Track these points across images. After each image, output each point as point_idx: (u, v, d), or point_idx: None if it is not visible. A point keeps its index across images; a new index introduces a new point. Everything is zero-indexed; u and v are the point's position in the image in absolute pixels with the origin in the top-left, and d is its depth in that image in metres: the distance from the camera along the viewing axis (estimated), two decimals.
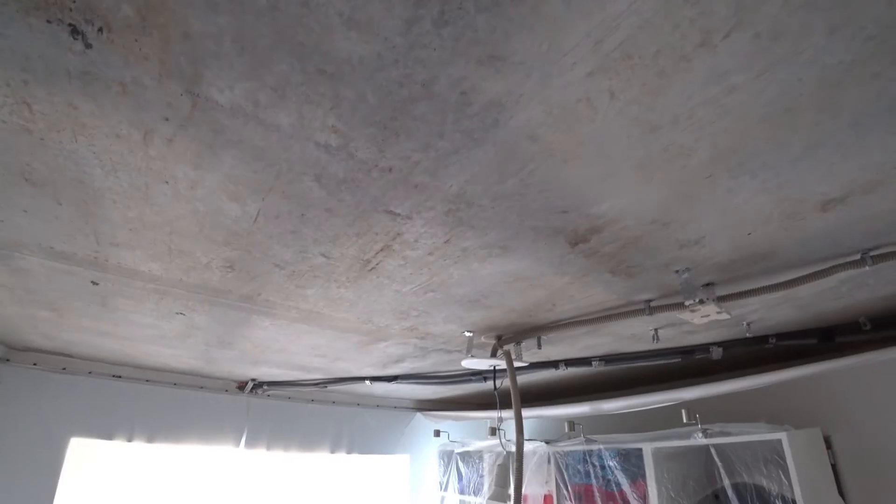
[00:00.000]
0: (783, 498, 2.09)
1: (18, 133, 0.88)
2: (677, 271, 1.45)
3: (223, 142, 0.85)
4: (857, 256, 1.36)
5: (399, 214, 1.06)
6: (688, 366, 2.64)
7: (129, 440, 3.10)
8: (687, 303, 1.49)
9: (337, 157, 0.87)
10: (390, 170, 0.90)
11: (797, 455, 2.05)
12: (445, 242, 1.20)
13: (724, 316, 1.60)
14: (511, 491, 2.53)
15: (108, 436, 3.03)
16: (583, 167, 0.92)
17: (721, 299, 1.52)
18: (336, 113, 0.77)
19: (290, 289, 1.54)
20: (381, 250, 1.24)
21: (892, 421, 2.23)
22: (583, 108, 0.77)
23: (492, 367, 2.07)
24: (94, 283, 1.62)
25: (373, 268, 1.36)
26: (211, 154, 0.89)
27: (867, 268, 1.35)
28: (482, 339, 2.06)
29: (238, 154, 0.88)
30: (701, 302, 1.49)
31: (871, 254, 1.34)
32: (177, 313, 1.90)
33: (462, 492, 3.77)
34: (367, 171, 0.91)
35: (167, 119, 0.81)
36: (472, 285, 1.49)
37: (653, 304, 1.67)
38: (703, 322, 1.64)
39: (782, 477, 2.10)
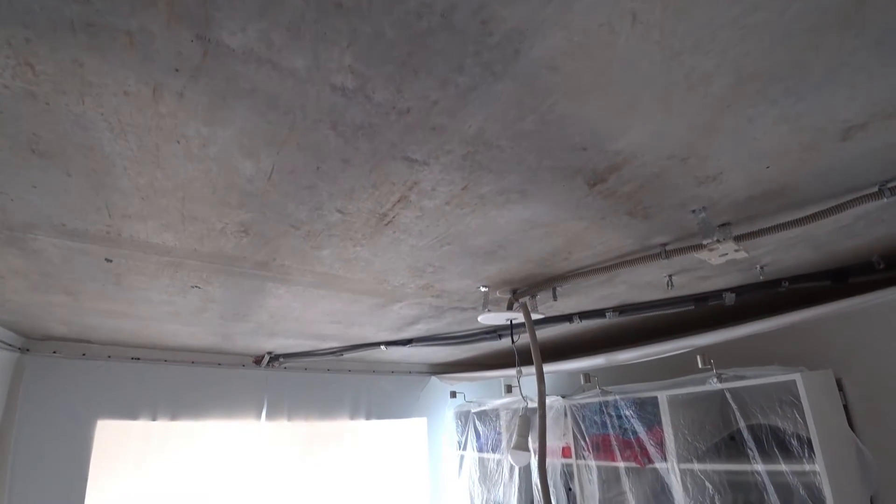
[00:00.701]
0: (798, 436, 2.13)
1: (23, 99, 0.85)
2: (694, 211, 1.44)
3: (236, 91, 0.83)
4: (875, 189, 1.34)
5: (416, 160, 1.04)
6: (700, 315, 2.66)
7: (154, 419, 3.17)
8: (705, 241, 1.48)
9: (354, 101, 0.85)
10: (408, 111, 0.88)
11: (811, 395, 2.09)
12: (463, 189, 1.18)
13: (742, 254, 1.59)
14: (533, 444, 2.58)
15: (133, 416, 3.10)
16: (603, 98, 0.90)
17: (738, 238, 1.51)
18: (353, 51, 0.74)
19: (305, 250, 1.53)
20: (398, 202, 1.23)
21: None
22: (605, 34, 0.75)
23: (508, 321, 2.09)
24: (107, 260, 1.62)
25: (389, 221, 1.35)
26: (224, 106, 0.87)
27: (885, 200, 1.34)
28: (497, 294, 2.06)
29: (251, 104, 0.86)
30: (718, 241, 1.48)
31: (889, 185, 1.33)
32: (192, 287, 1.91)
33: (480, 450, 3.86)
34: (384, 115, 0.89)
35: (177, 70, 0.78)
36: (489, 235, 1.48)
37: (668, 247, 1.66)
38: (720, 261, 1.64)
39: (797, 416, 2.14)
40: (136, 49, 0.74)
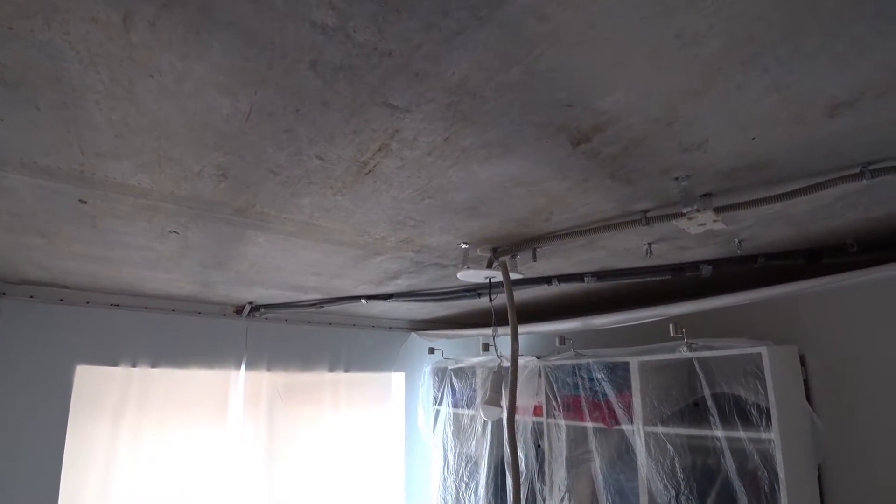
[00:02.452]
0: (758, 406, 2.23)
1: None
2: (677, 178, 1.44)
3: (211, 23, 0.79)
4: (857, 170, 1.36)
5: (398, 107, 1.02)
6: (677, 285, 2.71)
7: (134, 365, 3.18)
8: (685, 210, 1.49)
9: (334, 39, 0.82)
10: (390, 54, 0.85)
11: (774, 368, 2.19)
12: (445, 140, 1.16)
13: (720, 225, 1.61)
14: (504, 401, 2.65)
15: (113, 362, 3.11)
16: (591, 54, 0.88)
17: (718, 210, 1.53)
18: None
19: (284, 197, 1.51)
20: (379, 150, 1.21)
21: (862, 341, 2.37)
22: None
23: (487, 279, 2.10)
24: (82, 201, 1.58)
25: (370, 170, 1.33)
26: (198, 40, 0.83)
27: (864, 181, 1.36)
28: (478, 252, 2.07)
29: (228, 38, 0.83)
30: (698, 210, 1.50)
31: (871, 167, 1.35)
32: (170, 232, 1.88)
33: (455, 405, 3.96)
34: (365, 56, 0.86)
35: None
36: (471, 190, 1.47)
37: (649, 214, 1.67)
38: (698, 231, 1.66)
39: (759, 387, 2.24)
40: None
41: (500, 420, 2.67)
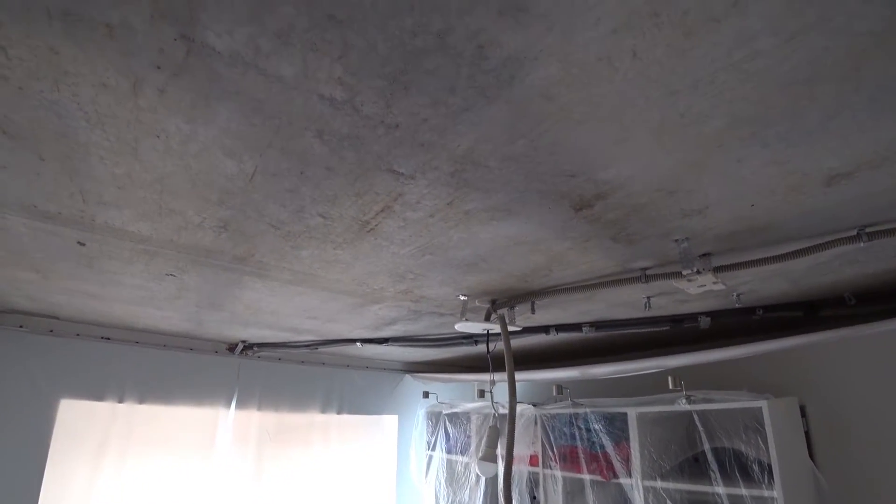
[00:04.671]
0: (759, 462, 2.18)
1: None
2: (677, 240, 1.45)
3: (219, 93, 0.80)
4: (854, 232, 1.37)
5: (402, 174, 1.02)
6: (674, 334, 2.69)
7: (120, 401, 3.08)
8: (685, 272, 1.49)
9: (341, 112, 0.82)
10: (397, 126, 0.86)
11: (775, 422, 2.14)
12: (448, 204, 1.16)
13: (720, 286, 1.61)
14: (501, 452, 2.59)
15: (99, 397, 3.01)
16: (596, 130, 0.89)
17: (717, 270, 1.53)
18: (343, 63, 0.72)
19: (284, 249, 1.50)
20: (381, 211, 1.21)
21: (864, 392, 2.34)
22: (603, 68, 0.74)
23: (485, 332, 2.08)
24: (80, 243, 1.56)
25: (371, 229, 1.32)
26: (206, 106, 0.84)
27: (862, 244, 1.37)
28: (476, 303, 2.05)
29: (235, 107, 0.83)
30: (698, 272, 1.49)
31: (868, 230, 1.36)
32: (167, 275, 1.86)
33: (449, 451, 3.86)
34: (372, 128, 0.87)
35: (159, 67, 0.75)
36: (472, 248, 1.47)
37: (649, 272, 1.67)
38: (698, 291, 1.65)
39: (760, 443, 2.19)
40: (116, 42, 0.71)
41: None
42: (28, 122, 0.93)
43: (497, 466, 2.16)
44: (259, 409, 3.62)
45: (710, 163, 1.02)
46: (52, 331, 2.93)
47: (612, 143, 0.93)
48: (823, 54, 0.74)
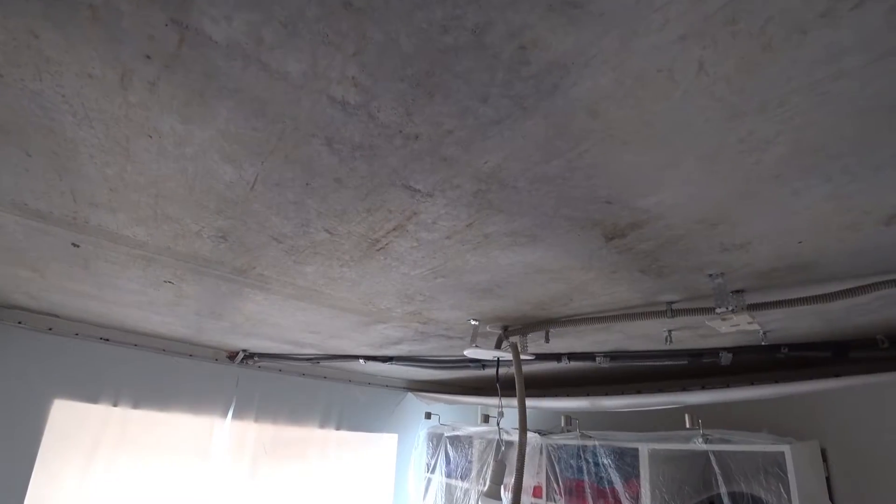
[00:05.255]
0: None
1: None
2: (711, 275, 1.34)
3: (217, 90, 0.70)
4: None
5: (419, 191, 0.92)
6: (691, 366, 2.56)
7: (115, 404, 3.00)
8: (718, 310, 1.37)
9: (354, 118, 0.72)
10: (416, 137, 0.75)
11: (798, 469, 2.01)
12: (467, 226, 1.06)
13: (755, 327, 1.48)
14: (505, 488, 2.46)
15: (93, 399, 2.93)
16: (641, 153, 0.78)
17: (752, 308, 1.41)
18: (359, 61, 0.62)
19: (287, 264, 1.40)
20: (394, 230, 1.10)
21: (888, 438, 2.21)
22: (662, 81, 0.63)
23: (496, 359, 1.96)
24: (74, 244, 1.49)
25: (381, 248, 1.22)
26: (202, 104, 0.74)
27: None
28: (487, 329, 1.94)
29: (235, 106, 0.74)
30: (733, 311, 1.37)
31: None
32: (165, 281, 1.77)
33: (449, 475, 3.72)
34: (388, 138, 0.76)
35: (149, 57, 0.66)
36: (488, 274, 1.36)
37: (675, 306, 1.55)
38: (730, 331, 1.53)
39: (781, 490, 2.05)
40: (100, 26, 0.62)
41: None
42: (12, 114, 0.84)
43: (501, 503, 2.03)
44: (256, 420, 3.52)
45: (763, 195, 0.92)
46: (51, 329, 2.86)
47: (658, 168, 0.82)
48: None
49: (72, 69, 0.71)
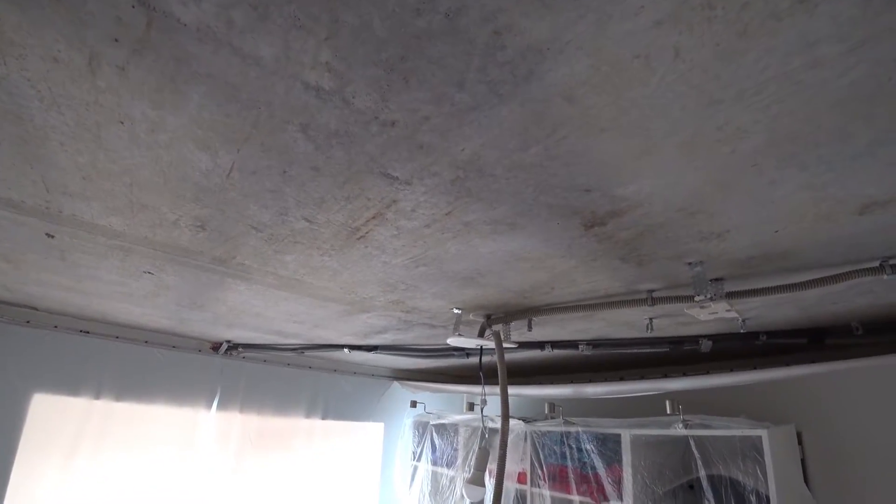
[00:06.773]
0: (757, 493, 2.09)
1: None
2: (690, 263, 1.35)
3: (188, 75, 0.69)
4: (877, 263, 1.29)
5: (397, 178, 0.91)
6: (673, 354, 2.60)
7: (97, 398, 2.95)
8: (697, 298, 1.39)
9: (329, 104, 0.71)
10: (393, 124, 0.75)
11: (775, 452, 2.07)
12: (447, 214, 1.05)
13: (733, 314, 1.51)
14: (489, 475, 2.48)
15: (74, 392, 2.88)
16: (619, 140, 0.78)
17: (730, 296, 1.43)
18: (332, 45, 0.61)
19: (267, 253, 1.39)
20: (373, 218, 1.09)
21: (863, 422, 2.28)
22: (638, 68, 0.63)
23: (479, 347, 1.97)
24: (49, 235, 1.45)
25: (361, 237, 1.21)
26: (174, 90, 0.73)
27: (885, 276, 1.29)
28: (470, 317, 1.94)
29: (207, 92, 0.72)
30: (712, 299, 1.39)
31: (891, 262, 1.28)
32: (144, 272, 1.74)
33: (435, 463, 3.74)
34: (364, 125, 0.75)
35: (117, 40, 0.64)
36: (469, 262, 1.36)
37: (655, 294, 1.57)
38: (709, 318, 1.55)
39: (759, 472, 2.10)
40: (64, 8, 0.60)
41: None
42: None
43: (484, 491, 2.05)
44: (241, 411, 3.50)
45: (740, 184, 0.92)
46: (29, 321, 2.80)
47: (636, 156, 0.82)
48: (890, 67, 0.63)
49: (36, 52, 0.69)
